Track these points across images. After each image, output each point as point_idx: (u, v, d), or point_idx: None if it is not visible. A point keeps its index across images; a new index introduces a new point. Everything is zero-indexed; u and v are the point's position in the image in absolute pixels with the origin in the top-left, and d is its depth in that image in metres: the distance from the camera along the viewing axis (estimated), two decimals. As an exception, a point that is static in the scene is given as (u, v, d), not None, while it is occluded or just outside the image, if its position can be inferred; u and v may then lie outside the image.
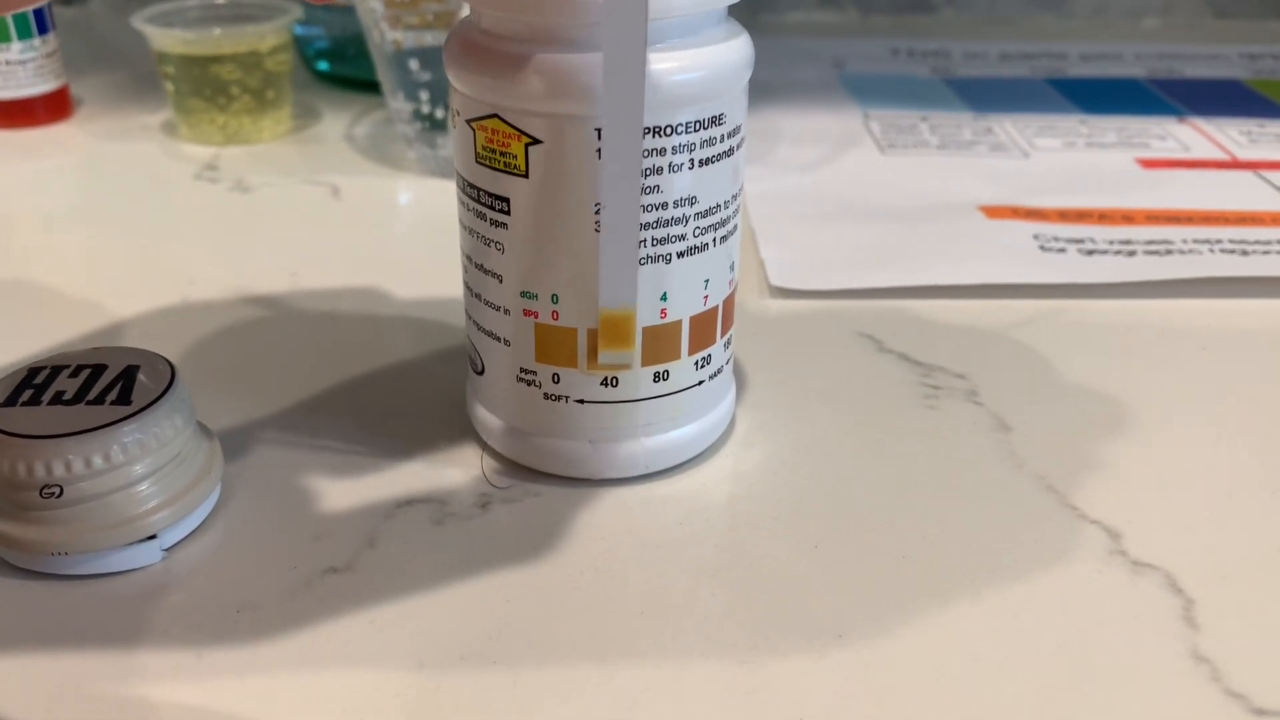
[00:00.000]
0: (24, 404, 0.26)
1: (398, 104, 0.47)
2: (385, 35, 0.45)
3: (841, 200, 0.47)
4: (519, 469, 0.30)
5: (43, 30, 0.53)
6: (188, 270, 0.40)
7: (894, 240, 0.43)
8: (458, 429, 0.31)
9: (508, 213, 0.27)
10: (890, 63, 0.65)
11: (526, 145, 0.26)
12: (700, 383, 0.29)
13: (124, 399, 0.26)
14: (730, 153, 0.27)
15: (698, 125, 0.26)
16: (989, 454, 0.30)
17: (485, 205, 0.27)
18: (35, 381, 0.27)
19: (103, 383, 0.27)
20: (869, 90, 0.60)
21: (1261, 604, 0.25)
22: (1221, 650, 0.24)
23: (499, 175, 0.27)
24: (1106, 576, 0.26)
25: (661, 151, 0.26)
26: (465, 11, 0.33)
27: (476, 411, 0.31)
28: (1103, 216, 0.45)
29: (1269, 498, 0.29)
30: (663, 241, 0.27)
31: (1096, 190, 0.48)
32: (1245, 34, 0.72)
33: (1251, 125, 0.55)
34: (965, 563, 0.26)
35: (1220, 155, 0.51)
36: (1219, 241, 0.42)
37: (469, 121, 0.27)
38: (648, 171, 0.26)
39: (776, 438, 0.31)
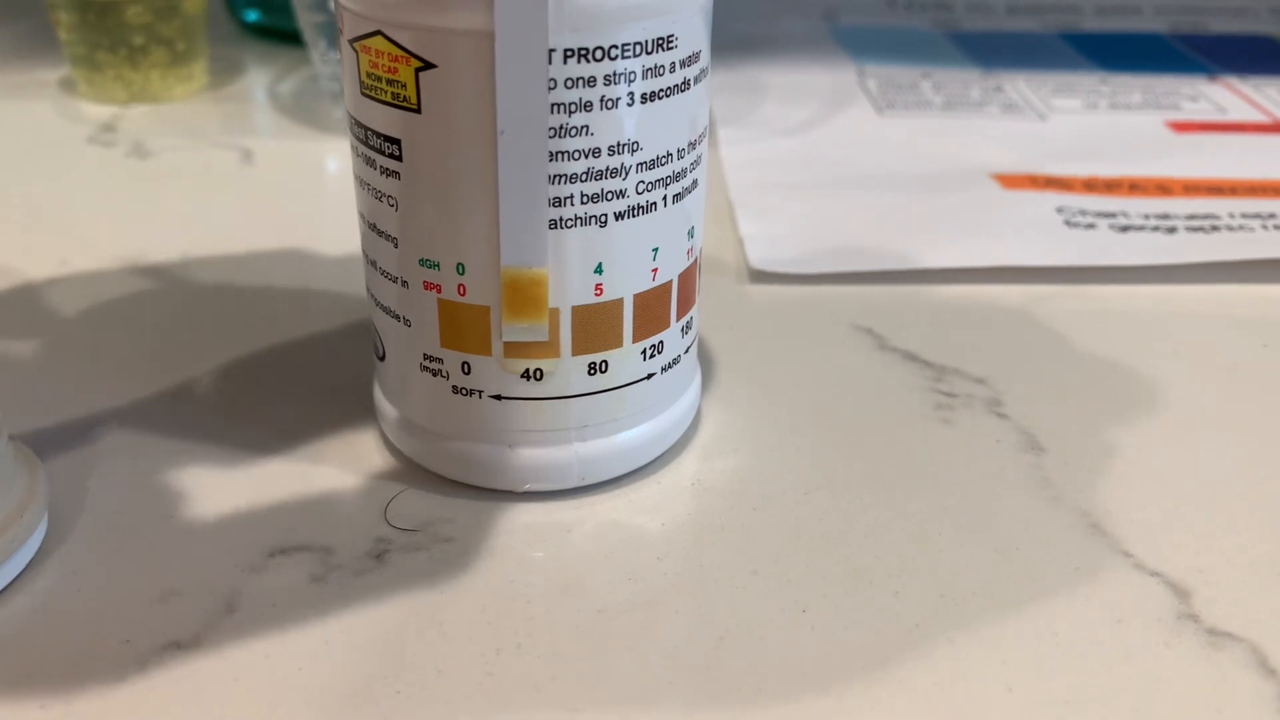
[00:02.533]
0: None
1: (320, 53, 0.41)
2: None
3: (834, 167, 0.40)
4: (434, 485, 0.24)
5: (-81, -30, 0.46)
6: (62, 247, 0.34)
7: (896, 214, 0.37)
8: (364, 433, 0.25)
9: (399, 158, 0.21)
10: (886, 15, 0.59)
11: (417, 70, 0.20)
12: (649, 376, 0.23)
13: (-101, 423, 0.20)
14: (685, 86, 0.21)
15: (640, 49, 0.19)
16: (1019, 483, 0.24)
17: (373, 149, 0.21)
18: None
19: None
20: (863, 44, 0.54)
21: (1378, 688, 0.20)
22: (1335, 757, 0.18)
23: (387, 110, 0.20)
24: (1176, 651, 0.20)
25: (592, 81, 0.19)
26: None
27: (381, 406, 0.25)
28: (1134, 187, 0.39)
29: (1369, 539, 0.23)
30: (596, 199, 0.20)
31: (1125, 157, 0.41)
32: (1273, -13, 0.66)
33: (1292, 84, 0.49)
34: (997, 634, 0.21)
35: (1260, 118, 0.45)
36: (1271, 216, 0.36)
37: (352, 42, 0.21)
38: (575, 107, 0.19)
39: (751, 452, 0.25)
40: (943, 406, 0.27)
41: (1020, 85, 0.48)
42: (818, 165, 0.41)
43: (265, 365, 0.28)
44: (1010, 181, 0.39)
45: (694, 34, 0.21)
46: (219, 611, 0.21)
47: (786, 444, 0.26)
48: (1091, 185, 0.39)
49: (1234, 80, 0.50)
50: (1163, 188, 0.39)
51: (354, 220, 0.35)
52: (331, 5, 0.39)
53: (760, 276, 0.33)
